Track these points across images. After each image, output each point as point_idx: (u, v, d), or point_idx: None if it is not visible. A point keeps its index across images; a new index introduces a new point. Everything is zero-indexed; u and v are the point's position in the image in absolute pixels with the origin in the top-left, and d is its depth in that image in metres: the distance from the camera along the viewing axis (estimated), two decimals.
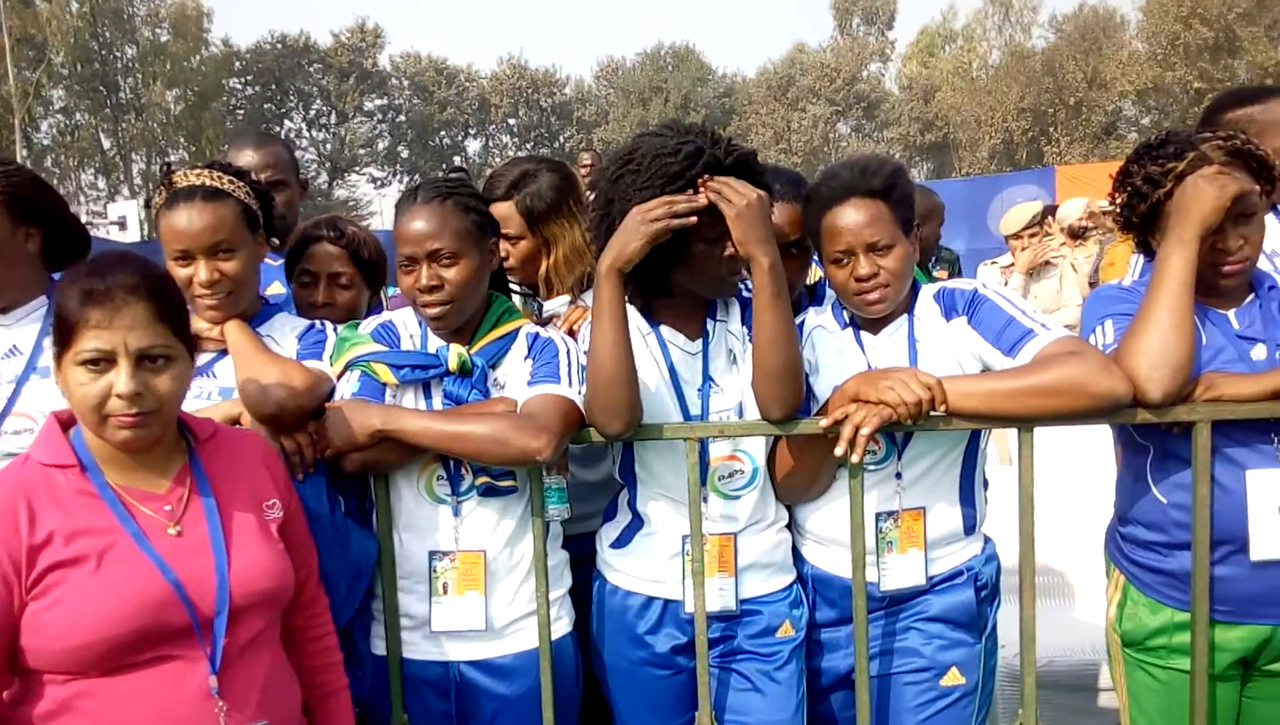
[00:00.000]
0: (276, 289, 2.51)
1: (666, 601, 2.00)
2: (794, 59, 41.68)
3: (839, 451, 1.82)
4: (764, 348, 1.83)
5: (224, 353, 1.96)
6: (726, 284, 1.95)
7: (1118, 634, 2.05)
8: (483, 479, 1.92)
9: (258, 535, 1.58)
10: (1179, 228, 1.84)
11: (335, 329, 2.07)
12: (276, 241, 2.37)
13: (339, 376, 1.96)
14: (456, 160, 40.72)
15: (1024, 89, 35.37)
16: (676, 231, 1.81)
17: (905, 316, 2.04)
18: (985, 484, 2.10)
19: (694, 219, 1.80)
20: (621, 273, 1.83)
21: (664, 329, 2.02)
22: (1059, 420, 1.86)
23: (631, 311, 2.05)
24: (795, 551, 2.10)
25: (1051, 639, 3.24)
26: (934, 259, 7.39)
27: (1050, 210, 8.70)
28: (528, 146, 42.80)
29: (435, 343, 2.00)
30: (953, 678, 2.00)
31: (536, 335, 2.03)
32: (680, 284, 1.96)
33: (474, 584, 1.92)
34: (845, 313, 2.10)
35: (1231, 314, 1.95)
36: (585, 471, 2.28)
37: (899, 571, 1.98)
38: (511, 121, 43.87)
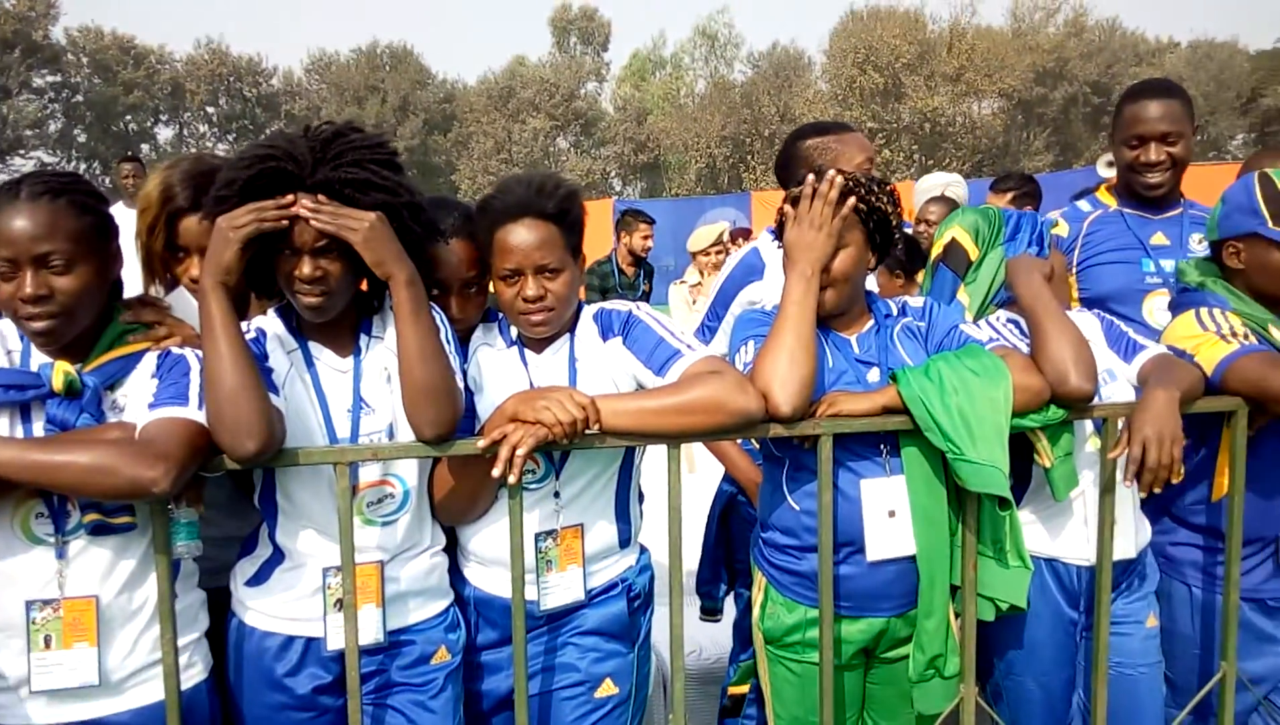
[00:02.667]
0: None
1: (308, 640, 1.88)
2: (515, 71, 41.92)
3: (496, 472, 1.79)
4: (410, 364, 1.77)
5: None
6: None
7: (761, 632, 2.19)
8: (93, 516, 1.70)
9: None
10: (799, 264, 2.00)
11: None
12: None
13: None
14: (145, 147, 36.96)
15: (725, 118, 37.92)
16: (273, 247, 1.75)
17: (568, 336, 2.07)
18: (641, 497, 2.17)
19: (285, 223, 1.73)
20: (224, 285, 1.72)
21: (311, 345, 1.91)
22: (702, 435, 1.95)
23: (276, 324, 1.92)
24: (458, 573, 2.06)
25: (722, 633, 3.47)
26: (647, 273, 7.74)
27: (744, 232, 9.36)
28: (229, 137, 39.80)
29: (40, 359, 1.76)
30: (606, 689, 2.04)
31: (168, 352, 1.83)
32: None
33: (84, 635, 1.69)
34: (511, 331, 2.09)
35: (854, 339, 2.14)
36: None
37: (560, 589, 1.99)
38: (210, 110, 40.53)
